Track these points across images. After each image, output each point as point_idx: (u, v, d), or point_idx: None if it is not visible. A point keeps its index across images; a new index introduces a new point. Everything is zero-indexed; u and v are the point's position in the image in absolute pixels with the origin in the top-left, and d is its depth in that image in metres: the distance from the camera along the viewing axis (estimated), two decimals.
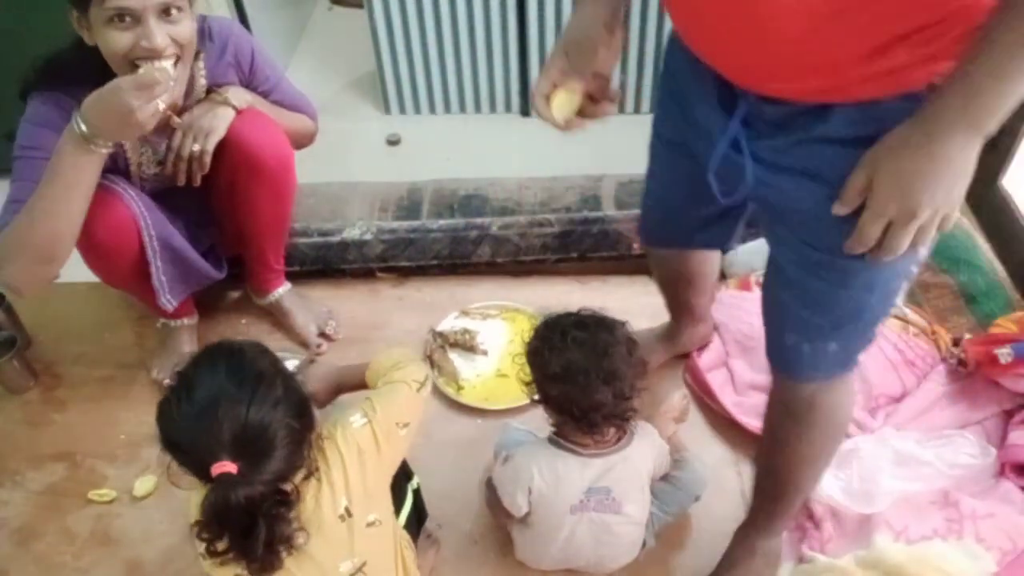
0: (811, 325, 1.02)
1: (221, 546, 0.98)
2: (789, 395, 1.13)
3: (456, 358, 1.78)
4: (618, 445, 1.26)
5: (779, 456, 1.22)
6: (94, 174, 1.33)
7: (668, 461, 1.35)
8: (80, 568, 1.48)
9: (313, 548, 1.05)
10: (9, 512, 1.57)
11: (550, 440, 1.28)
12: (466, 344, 1.79)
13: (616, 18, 1.01)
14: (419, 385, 1.20)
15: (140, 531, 1.52)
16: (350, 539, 1.08)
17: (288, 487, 1.01)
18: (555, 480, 1.25)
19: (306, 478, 1.05)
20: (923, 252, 0.93)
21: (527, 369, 1.25)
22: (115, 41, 1.30)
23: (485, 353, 1.77)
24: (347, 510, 1.07)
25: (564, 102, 0.98)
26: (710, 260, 1.52)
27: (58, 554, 1.50)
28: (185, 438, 0.97)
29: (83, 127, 1.26)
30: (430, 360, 1.76)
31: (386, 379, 1.21)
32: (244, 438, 0.95)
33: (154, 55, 1.31)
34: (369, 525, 1.10)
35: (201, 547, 1.00)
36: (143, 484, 1.58)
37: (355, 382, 1.30)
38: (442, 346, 1.78)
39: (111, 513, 1.56)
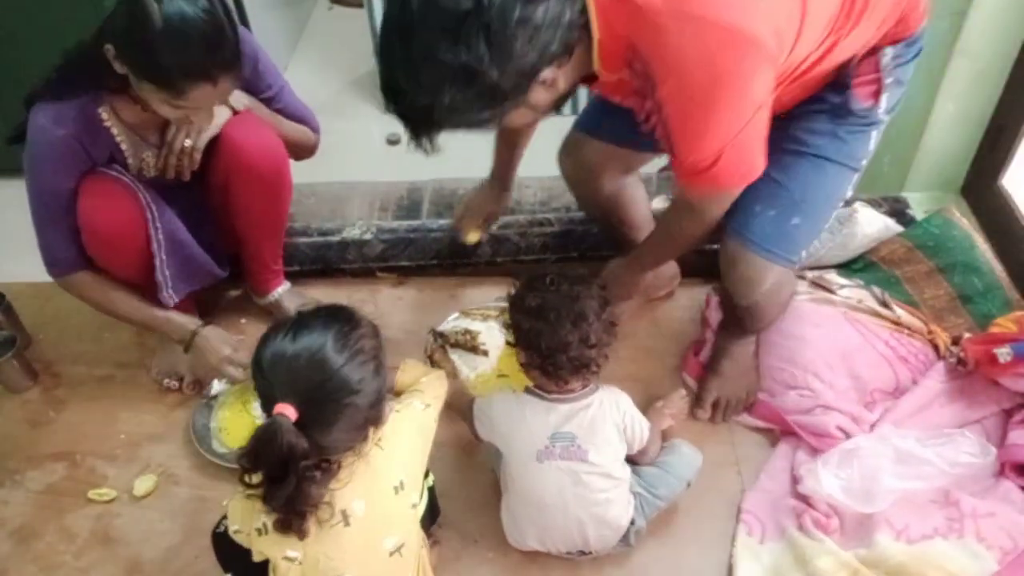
0: (782, 197, 1.33)
1: (255, 480, 1.02)
2: (746, 267, 1.39)
3: (456, 358, 1.77)
4: (582, 392, 1.33)
5: (741, 309, 1.53)
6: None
7: (645, 433, 1.37)
8: (80, 568, 1.48)
9: (368, 519, 1.09)
10: (9, 512, 1.57)
11: (525, 390, 1.37)
12: (467, 344, 1.78)
13: (506, 191, 1.80)
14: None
15: (140, 531, 1.52)
16: (396, 515, 1.13)
17: (333, 458, 1.05)
18: (521, 421, 1.33)
19: (370, 448, 1.10)
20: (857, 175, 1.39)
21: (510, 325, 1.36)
22: (167, 112, 1.37)
23: (486, 353, 1.77)
24: (401, 483, 1.13)
25: (475, 235, 1.87)
26: (632, 183, 1.70)
27: (58, 554, 1.50)
28: (271, 369, 1.03)
29: (190, 345, 1.64)
30: (430, 360, 1.76)
31: (429, 378, 1.34)
32: (316, 397, 1.01)
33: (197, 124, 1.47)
34: (413, 506, 1.16)
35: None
36: (143, 484, 1.58)
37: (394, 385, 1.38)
38: (442, 346, 1.78)
39: (111, 513, 1.56)
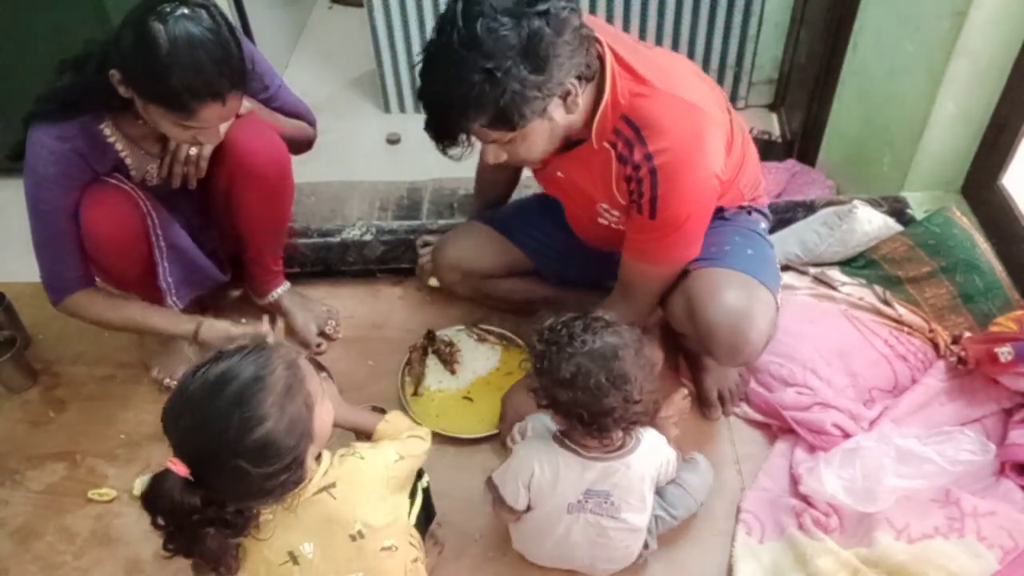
0: (725, 242, 1.50)
1: (160, 522, 1.00)
2: (729, 278, 1.44)
3: (431, 364, 1.77)
4: (621, 451, 1.25)
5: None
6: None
7: (674, 466, 1.34)
8: (80, 568, 1.48)
9: (318, 561, 1.06)
10: (9, 512, 1.57)
11: (554, 438, 1.28)
12: (443, 356, 1.77)
13: None
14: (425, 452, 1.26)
15: (140, 531, 1.51)
16: (359, 557, 1.09)
17: (246, 512, 1.02)
18: (554, 477, 1.25)
19: (318, 493, 1.06)
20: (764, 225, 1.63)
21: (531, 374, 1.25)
22: (176, 134, 1.37)
23: (453, 372, 1.75)
24: (359, 532, 1.08)
25: (436, 281, 1.87)
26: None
27: (58, 553, 1.50)
28: (166, 420, 1.00)
29: (197, 339, 1.55)
30: (410, 354, 1.76)
31: (412, 433, 1.26)
32: (203, 459, 0.97)
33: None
34: (384, 549, 1.12)
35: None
36: (143, 483, 1.57)
37: (362, 427, 1.30)
38: (425, 347, 1.78)
39: (111, 513, 1.56)
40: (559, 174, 1.49)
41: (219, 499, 0.98)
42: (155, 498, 0.97)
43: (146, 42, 1.23)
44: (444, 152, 1.29)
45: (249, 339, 1.47)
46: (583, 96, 1.27)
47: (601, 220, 1.51)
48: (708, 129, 1.33)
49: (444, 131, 1.25)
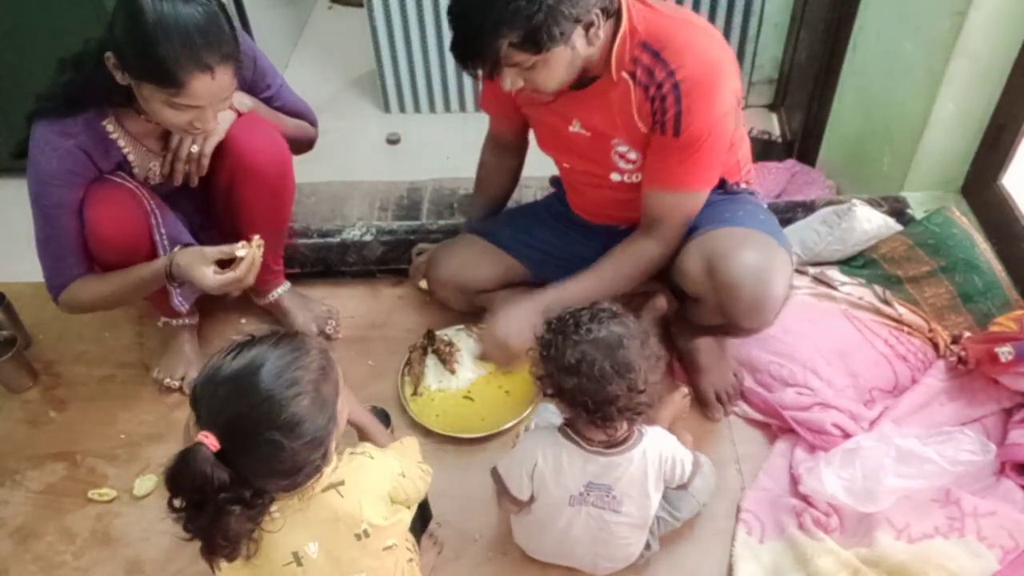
0: (737, 207, 1.55)
1: (176, 504, 0.99)
2: (746, 238, 1.46)
3: (431, 364, 1.76)
4: (624, 446, 1.25)
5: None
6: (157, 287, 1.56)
7: (687, 468, 1.32)
8: (80, 568, 1.48)
9: (322, 562, 1.06)
10: (9, 512, 1.57)
11: (559, 429, 1.28)
12: (443, 355, 1.77)
13: None
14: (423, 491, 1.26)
15: (140, 531, 1.52)
16: (362, 556, 1.09)
17: (264, 496, 1.02)
18: (557, 468, 1.25)
19: (326, 490, 1.06)
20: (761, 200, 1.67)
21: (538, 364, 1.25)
22: (170, 118, 1.35)
23: (453, 372, 1.74)
24: (365, 532, 1.08)
25: (426, 284, 1.84)
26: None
27: (58, 553, 1.50)
28: (200, 393, 1.00)
29: (172, 274, 1.48)
30: (410, 354, 1.76)
31: (420, 464, 1.26)
32: (237, 429, 0.97)
33: (203, 132, 1.43)
34: (385, 549, 1.12)
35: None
36: (143, 484, 1.58)
37: (367, 425, 1.32)
38: (424, 347, 1.78)
39: (111, 513, 1.56)
40: (571, 127, 1.50)
41: (244, 477, 0.98)
42: (182, 473, 0.95)
43: (133, 15, 1.25)
44: (470, 74, 1.35)
45: (224, 253, 1.46)
46: (602, 30, 1.33)
47: (613, 176, 1.53)
48: (723, 52, 1.40)
49: (471, 51, 1.29)
